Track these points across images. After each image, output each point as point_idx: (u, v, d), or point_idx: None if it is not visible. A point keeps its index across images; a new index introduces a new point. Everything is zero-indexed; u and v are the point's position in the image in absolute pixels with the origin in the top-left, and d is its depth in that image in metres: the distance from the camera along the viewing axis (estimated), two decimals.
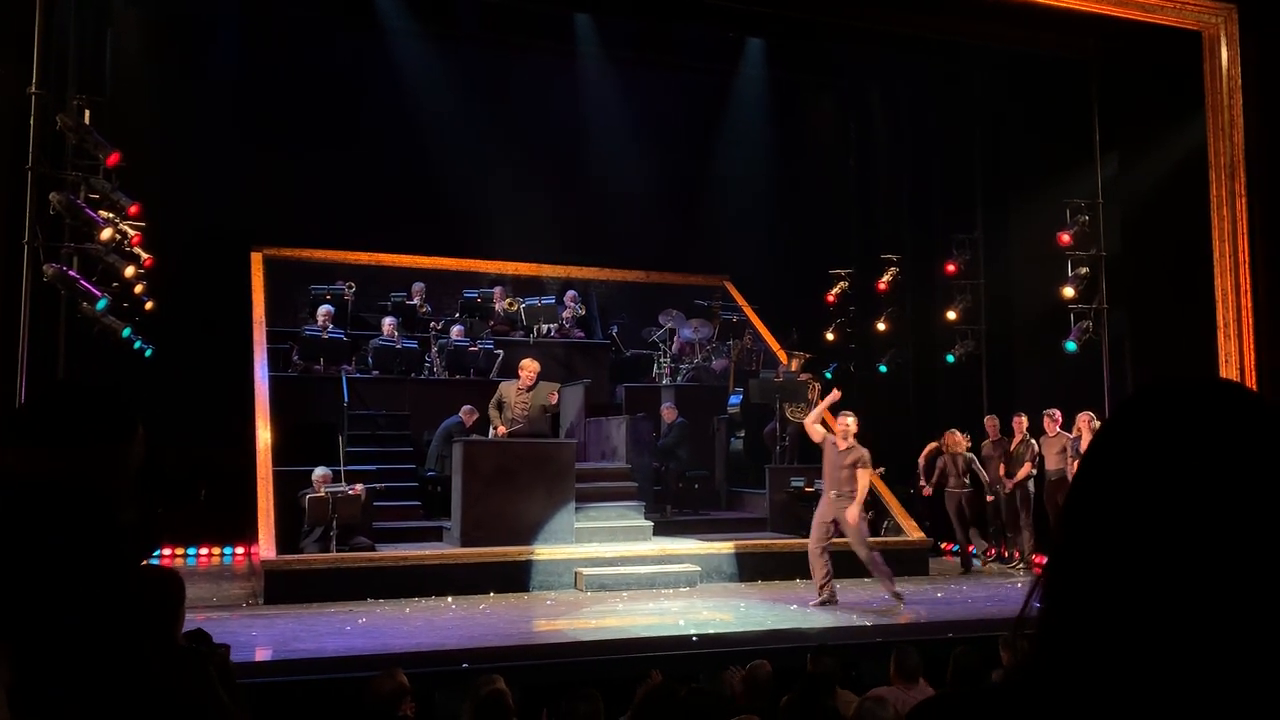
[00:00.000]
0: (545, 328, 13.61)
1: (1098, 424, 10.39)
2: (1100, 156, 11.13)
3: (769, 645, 6.46)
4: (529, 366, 10.33)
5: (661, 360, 13.64)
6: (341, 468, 9.81)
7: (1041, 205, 11.69)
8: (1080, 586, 0.76)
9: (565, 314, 13.98)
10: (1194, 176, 9.74)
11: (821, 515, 8.59)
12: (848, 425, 8.47)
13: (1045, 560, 0.82)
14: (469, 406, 11.39)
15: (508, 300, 13.93)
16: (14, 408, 7.06)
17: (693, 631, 7.37)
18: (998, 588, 9.93)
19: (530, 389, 10.20)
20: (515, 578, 9.32)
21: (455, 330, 12.94)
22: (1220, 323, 9.19)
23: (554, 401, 10.53)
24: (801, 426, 12.30)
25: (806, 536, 10.97)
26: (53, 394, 1.51)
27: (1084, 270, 11.12)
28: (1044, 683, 0.75)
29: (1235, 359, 9.17)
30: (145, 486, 1.39)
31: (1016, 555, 11.23)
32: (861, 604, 8.64)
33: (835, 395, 8.81)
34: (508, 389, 10.32)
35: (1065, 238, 11.17)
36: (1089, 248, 11.15)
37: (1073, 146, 11.37)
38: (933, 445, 11.62)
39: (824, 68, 14.84)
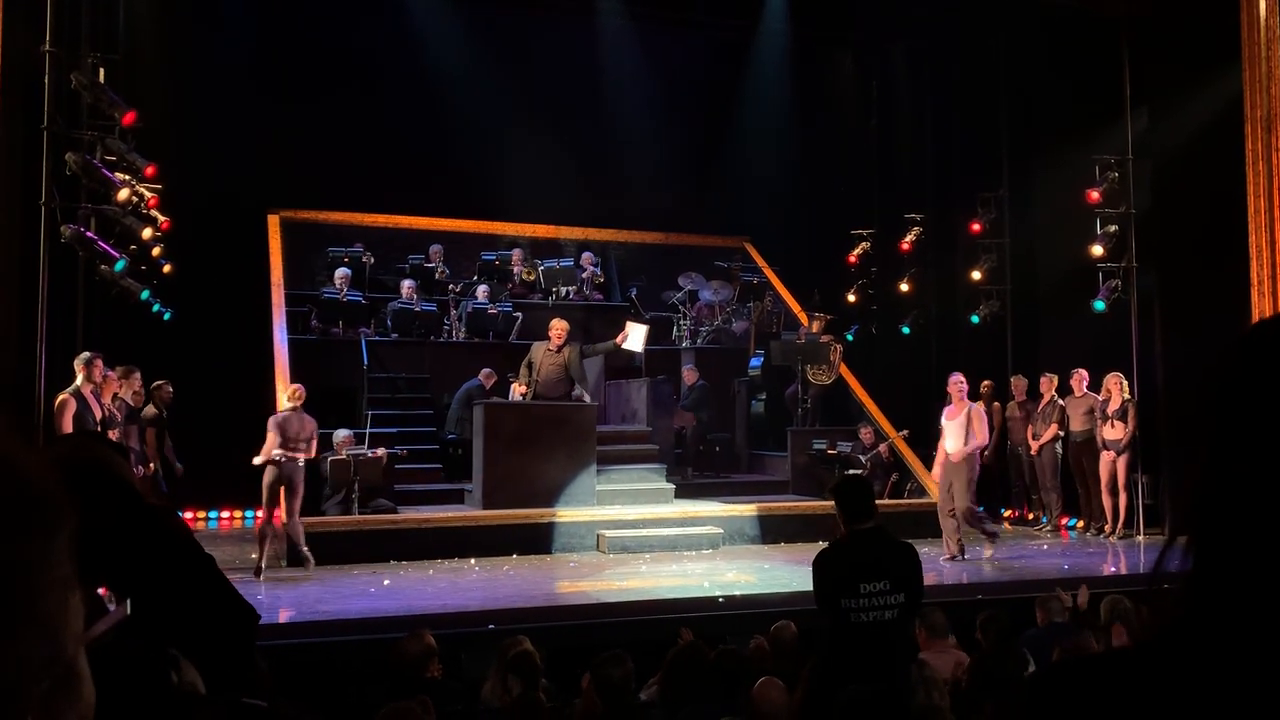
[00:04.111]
0: (564, 290, 13.51)
1: (1126, 385, 10.24)
2: (1130, 111, 10.87)
3: (795, 607, 6.40)
4: (558, 326, 10.15)
5: (681, 322, 13.53)
6: (366, 430, 9.78)
7: (1069, 161, 11.42)
8: (1237, 538, 0.66)
9: (584, 276, 13.88)
10: (1228, 131, 9.47)
11: None
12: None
13: (1187, 515, 0.72)
14: (488, 370, 11.34)
15: (525, 269, 13.81)
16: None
17: (719, 593, 7.33)
18: (1023, 549, 9.85)
19: (559, 349, 10.03)
20: (537, 540, 9.31)
21: (481, 291, 12.86)
22: (1254, 280, 8.96)
23: (622, 343, 10.44)
24: (822, 389, 12.23)
25: (828, 499, 10.91)
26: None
27: (1113, 228, 10.90)
28: (1197, 645, 0.66)
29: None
30: None
31: (1041, 516, 11.14)
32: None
33: None
34: (537, 350, 10.19)
35: (1094, 195, 10.93)
36: (1118, 205, 10.92)
37: (1102, 101, 11.09)
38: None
39: (846, 23, 14.55)
